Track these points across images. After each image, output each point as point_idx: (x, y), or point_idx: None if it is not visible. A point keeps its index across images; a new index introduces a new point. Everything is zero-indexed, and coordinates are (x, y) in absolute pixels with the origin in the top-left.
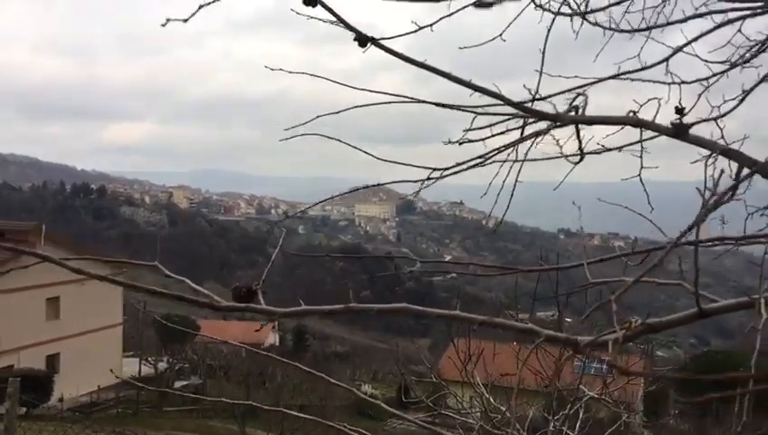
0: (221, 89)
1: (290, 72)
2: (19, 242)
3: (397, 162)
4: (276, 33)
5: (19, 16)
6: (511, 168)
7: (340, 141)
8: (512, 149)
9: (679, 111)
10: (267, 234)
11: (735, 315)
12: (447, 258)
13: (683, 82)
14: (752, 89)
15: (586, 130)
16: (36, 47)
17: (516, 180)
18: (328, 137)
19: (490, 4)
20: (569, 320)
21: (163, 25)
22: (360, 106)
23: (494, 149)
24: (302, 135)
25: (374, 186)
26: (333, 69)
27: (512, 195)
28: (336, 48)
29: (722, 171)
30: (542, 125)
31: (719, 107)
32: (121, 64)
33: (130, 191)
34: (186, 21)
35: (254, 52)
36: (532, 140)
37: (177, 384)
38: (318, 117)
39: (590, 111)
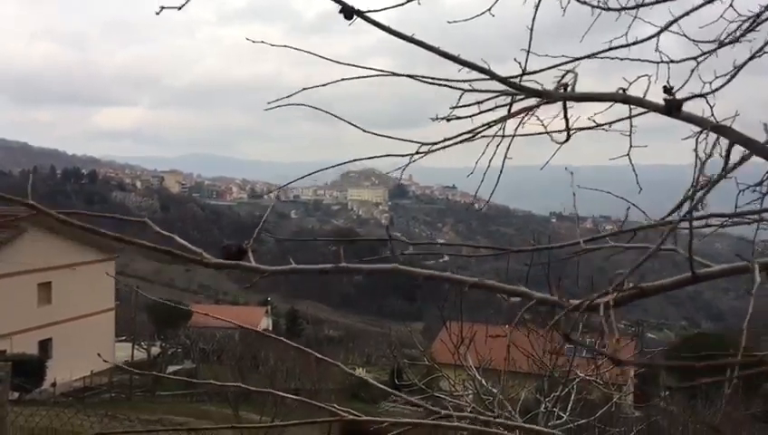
0: (212, 75)
1: (272, 46)
2: (9, 227)
3: (386, 136)
4: (265, 24)
5: (17, 5)
6: (499, 145)
7: (330, 113)
8: (500, 125)
9: (667, 90)
10: (260, 218)
11: (726, 298)
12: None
13: (672, 61)
14: (742, 65)
15: (574, 110)
16: (33, 35)
17: (505, 157)
18: (319, 109)
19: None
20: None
21: (157, 14)
22: (349, 79)
23: (483, 125)
24: (291, 104)
25: (365, 159)
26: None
27: (500, 172)
28: (322, 37)
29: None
30: (531, 102)
31: (710, 83)
32: (113, 51)
33: (122, 176)
34: (180, 9)
35: (244, 39)
36: (521, 116)
37: (170, 369)
38: (304, 89)
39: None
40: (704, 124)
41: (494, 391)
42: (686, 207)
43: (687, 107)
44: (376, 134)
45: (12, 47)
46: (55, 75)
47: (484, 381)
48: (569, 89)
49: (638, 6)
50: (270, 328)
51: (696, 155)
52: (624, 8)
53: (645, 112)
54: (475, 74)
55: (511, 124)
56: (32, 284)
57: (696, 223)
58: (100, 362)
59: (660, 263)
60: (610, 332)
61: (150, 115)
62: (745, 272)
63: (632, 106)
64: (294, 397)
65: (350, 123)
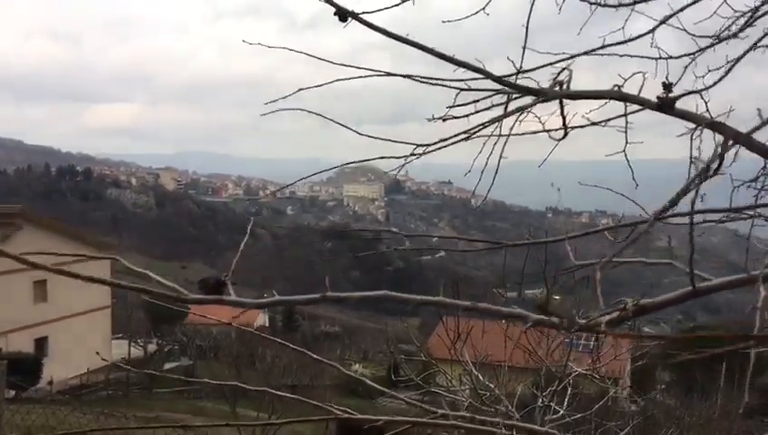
0: (207, 71)
1: (269, 47)
2: (4, 225)
3: (382, 138)
4: (260, 20)
5: (13, 3)
6: (495, 144)
7: (325, 117)
8: (496, 124)
9: (666, 86)
10: (255, 214)
11: (723, 292)
12: (435, 240)
13: (669, 57)
14: (736, 61)
15: (570, 107)
16: (28, 33)
17: (501, 156)
18: (312, 112)
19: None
20: (557, 297)
21: None
22: (343, 79)
23: (479, 125)
24: (286, 110)
25: (358, 162)
26: (314, 54)
27: (496, 171)
28: (318, 33)
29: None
30: (527, 100)
31: (703, 77)
32: (108, 48)
33: (117, 173)
34: None
35: (239, 36)
36: (517, 115)
37: (167, 366)
38: (300, 90)
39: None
40: (698, 121)
41: (491, 386)
42: (680, 204)
43: (683, 103)
44: (370, 136)
45: (7, 45)
46: (50, 72)
47: (480, 377)
48: (564, 86)
49: (635, 2)
50: (266, 324)
51: (691, 152)
52: (621, 5)
53: (640, 110)
54: (470, 74)
55: (507, 122)
56: (27, 281)
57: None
58: (97, 359)
59: (658, 266)
60: (608, 331)
61: (145, 112)
62: (749, 284)
63: (627, 103)
64: (290, 395)
65: (344, 126)
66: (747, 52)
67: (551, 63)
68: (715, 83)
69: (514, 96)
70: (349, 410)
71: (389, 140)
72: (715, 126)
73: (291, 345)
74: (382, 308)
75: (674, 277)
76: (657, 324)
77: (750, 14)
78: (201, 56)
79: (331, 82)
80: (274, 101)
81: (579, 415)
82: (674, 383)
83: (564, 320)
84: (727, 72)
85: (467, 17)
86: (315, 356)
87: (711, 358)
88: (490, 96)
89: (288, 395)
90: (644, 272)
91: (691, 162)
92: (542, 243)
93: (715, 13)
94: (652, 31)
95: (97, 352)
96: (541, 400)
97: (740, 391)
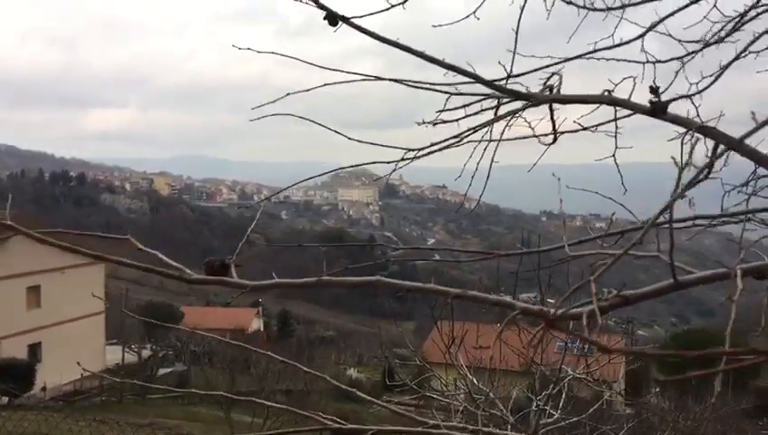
0: (201, 76)
1: (259, 53)
2: None
3: (374, 143)
4: (254, 25)
5: (8, 5)
6: (486, 148)
7: (313, 122)
8: (486, 129)
9: (654, 90)
10: (250, 219)
11: (715, 294)
12: (430, 242)
13: (657, 61)
14: (727, 66)
15: (560, 112)
16: (23, 36)
17: (492, 160)
18: (301, 117)
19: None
20: (551, 300)
21: None
22: (333, 84)
23: (469, 129)
24: (276, 114)
25: (350, 167)
26: (306, 58)
27: (488, 175)
28: (311, 37)
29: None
30: (517, 105)
31: (697, 83)
32: (101, 53)
33: (111, 178)
34: None
35: (235, 40)
36: (507, 119)
37: (162, 371)
38: (288, 95)
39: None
40: (689, 125)
41: (486, 390)
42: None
43: (673, 107)
44: (360, 141)
45: (1, 48)
46: (44, 76)
47: (475, 381)
48: (554, 91)
49: (623, 6)
50: (261, 329)
51: (681, 157)
52: (610, 8)
53: (631, 114)
54: (461, 77)
55: (497, 126)
56: (20, 287)
57: (683, 224)
58: (91, 365)
59: (651, 264)
60: (594, 341)
61: (140, 116)
62: (727, 278)
63: (618, 108)
64: (280, 406)
65: (335, 131)
66: (737, 58)
67: (541, 68)
68: (704, 89)
69: (504, 100)
70: (338, 420)
71: (381, 145)
72: (706, 130)
73: (282, 359)
74: (377, 312)
75: (661, 280)
76: (650, 327)
77: (738, 18)
78: (196, 60)
79: (319, 86)
80: (262, 105)
81: (574, 418)
82: (668, 381)
83: (547, 309)
84: (716, 78)
85: (458, 21)
86: (306, 369)
87: (705, 360)
88: (480, 100)
89: (278, 406)
90: (636, 275)
91: (683, 166)
92: (536, 252)
93: (704, 18)
94: (641, 36)
95: (83, 368)
96: (535, 403)
97: (735, 394)
